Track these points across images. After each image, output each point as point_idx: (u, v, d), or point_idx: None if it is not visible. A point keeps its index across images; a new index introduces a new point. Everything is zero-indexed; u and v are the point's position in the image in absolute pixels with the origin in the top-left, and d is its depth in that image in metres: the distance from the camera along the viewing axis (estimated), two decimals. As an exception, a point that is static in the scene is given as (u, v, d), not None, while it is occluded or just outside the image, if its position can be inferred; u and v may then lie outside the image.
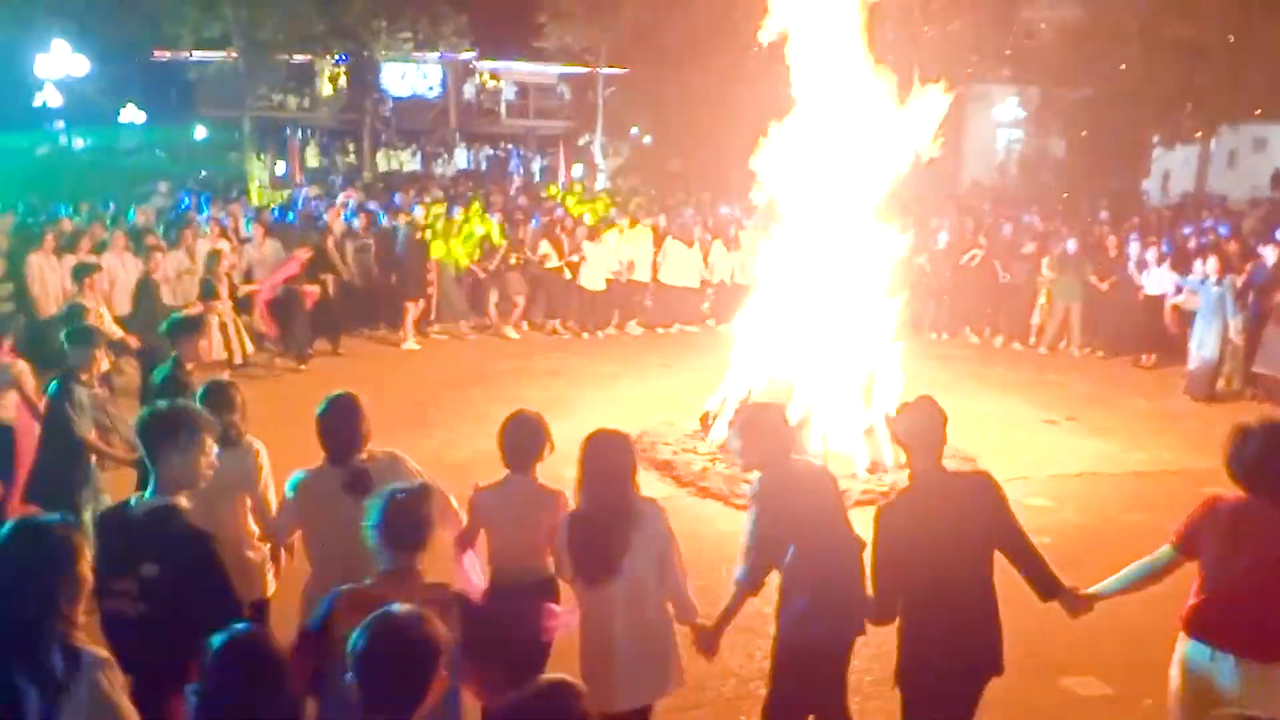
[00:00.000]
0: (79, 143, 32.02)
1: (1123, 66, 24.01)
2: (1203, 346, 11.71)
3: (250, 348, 11.52)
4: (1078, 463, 9.37)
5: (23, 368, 6.68)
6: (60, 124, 32.08)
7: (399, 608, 2.46)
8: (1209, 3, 22.83)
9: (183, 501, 3.40)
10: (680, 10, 24.54)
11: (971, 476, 4.63)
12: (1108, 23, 24.78)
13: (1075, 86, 25.54)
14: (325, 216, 15.31)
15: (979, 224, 16.31)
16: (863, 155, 9.02)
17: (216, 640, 2.53)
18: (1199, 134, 27.40)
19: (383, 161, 32.32)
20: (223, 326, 10.72)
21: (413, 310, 13.57)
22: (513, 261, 14.57)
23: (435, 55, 26.92)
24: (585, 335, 14.61)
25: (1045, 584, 3.89)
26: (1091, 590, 3.93)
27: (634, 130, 31.14)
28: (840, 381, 8.76)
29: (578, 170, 32.68)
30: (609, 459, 3.93)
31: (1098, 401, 11.50)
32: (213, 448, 3.52)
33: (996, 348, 14.60)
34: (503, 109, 35.81)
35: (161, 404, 3.65)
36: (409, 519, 3.21)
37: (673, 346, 13.94)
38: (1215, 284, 11.65)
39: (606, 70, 29.16)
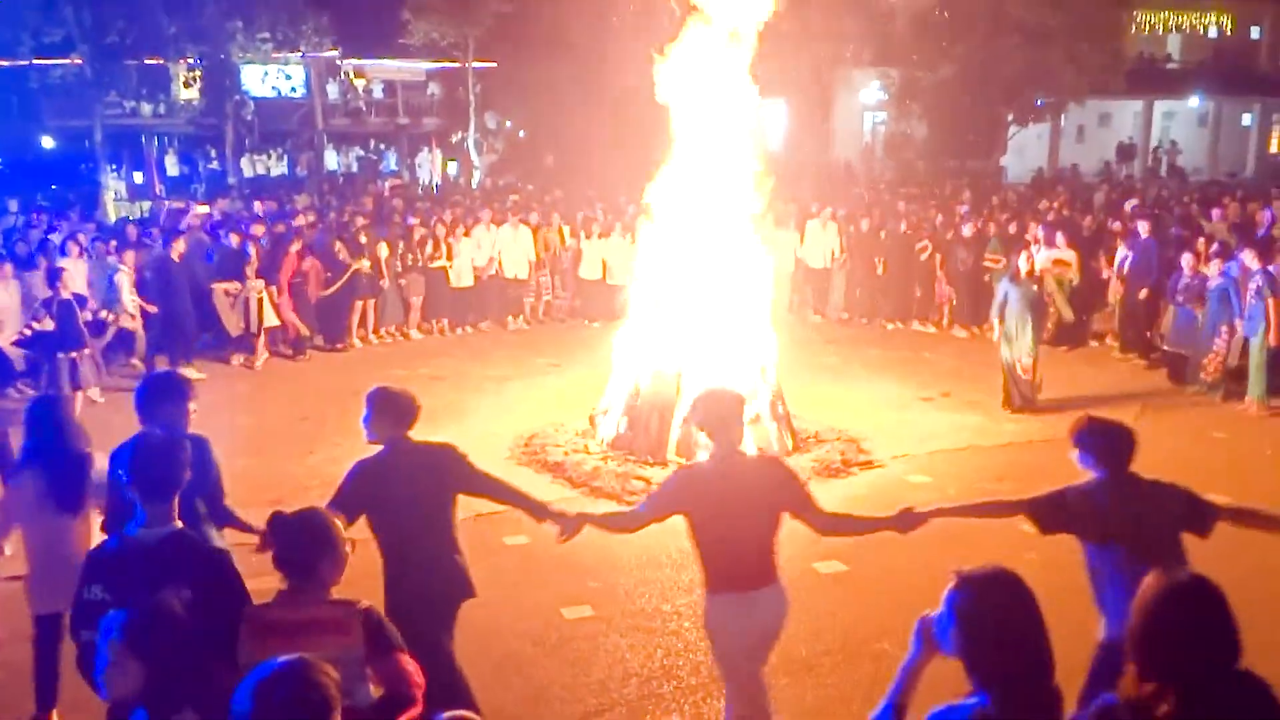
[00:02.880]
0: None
1: (972, 51, 25.11)
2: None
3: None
4: (955, 438, 9.77)
5: None
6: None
7: (284, 663, 2.34)
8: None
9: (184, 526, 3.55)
10: (542, 2, 24.44)
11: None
12: (957, 7, 25.81)
13: (932, 69, 26.46)
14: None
15: (890, 212, 16.47)
16: (731, 144, 9.18)
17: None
18: (1048, 113, 28.88)
19: (248, 167, 31.18)
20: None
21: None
22: (408, 264, 14.39)
23: (297, 55, 26.04)
24: (457, 331, 14.85)
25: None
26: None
27: (508, 124, 30.85)
28: (723, 371, 8.90)
29: (452, 168, 32.24)
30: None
31: (966, 378, 11.99)
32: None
33: (888, 330, 15.03)
34: (370, 108, 34.97)
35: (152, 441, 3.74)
36: (301, 539, 3.19)
37: (561, 346, 13.92)
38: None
39: (475, 65, 28.80)
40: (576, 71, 24.19)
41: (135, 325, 12.19)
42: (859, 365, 12.64)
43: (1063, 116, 31.69)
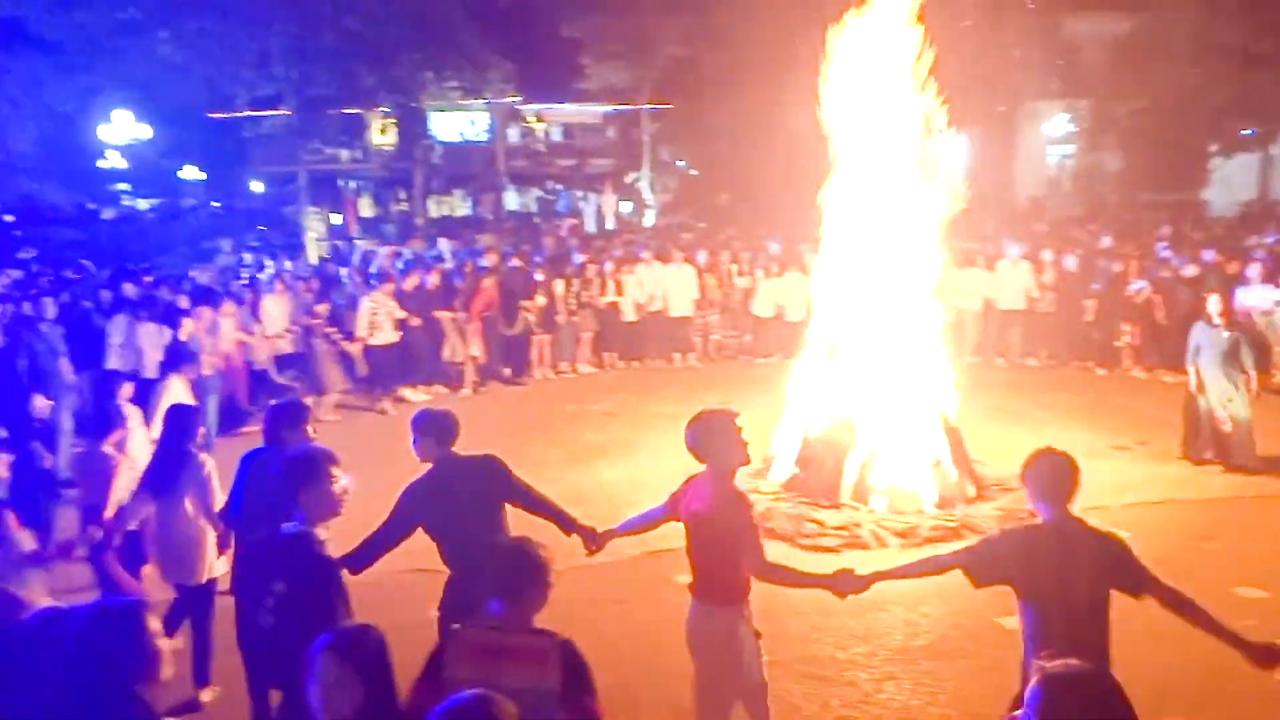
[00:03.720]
0: (142, 204, 33.10)
1: (1172, 79, 23.63)
2: None
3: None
4: (1151, 490, 9.11)
5: None
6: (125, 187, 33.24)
7: (469, 697, 2.44)
8: (1259, 8, 22.40)
9: (319, 531, 3.84)
10: (717, 43, 24.71)
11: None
12: (1156, 33, 24.42)
13: (1126, 99, 25.14)
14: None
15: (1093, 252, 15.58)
16: (911, 182, 8.93)
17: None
18: (1256, 142, 26.84)
19: (434, 208, 32.80)
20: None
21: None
22: (578, 302, 14.85)
23: (481, 102, 27.31)
24: (632, 364, 15.22)
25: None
26: None
27: (680, 164, 31.29)
28: (902, 416, 8.62)
29: (626, 207, 32.89)
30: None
31: (1167, 424, 11.17)
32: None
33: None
34: (548, 151, 36.24)
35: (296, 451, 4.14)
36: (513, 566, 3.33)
37: (733, 383, 13.86)
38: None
39: (650, 106, 29.40)
40: (751, 111, 24.30)
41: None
42: (1046, 410, 12.00)
43: (1272, 146, 29.44)
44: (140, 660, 2.86)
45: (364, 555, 4.58)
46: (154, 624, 2.95)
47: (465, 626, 3.28)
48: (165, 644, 2.96)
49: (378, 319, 12.62)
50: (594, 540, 4.88)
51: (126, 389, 7.14)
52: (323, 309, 12.54)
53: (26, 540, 4.82)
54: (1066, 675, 2.33)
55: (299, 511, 3.86)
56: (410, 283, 13.39)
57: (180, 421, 5.85)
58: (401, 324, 12.91)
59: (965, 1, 8.76)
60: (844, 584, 4.22)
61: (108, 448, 6.23)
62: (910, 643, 6.38)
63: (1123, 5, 25.37)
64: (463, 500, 4.70)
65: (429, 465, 4.83)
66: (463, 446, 4.96)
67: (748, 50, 23.74)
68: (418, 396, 12.91)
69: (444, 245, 17.72)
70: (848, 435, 8.58)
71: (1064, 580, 3.62)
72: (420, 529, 4.74)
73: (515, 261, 15.33)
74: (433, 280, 13.72)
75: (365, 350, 12.73)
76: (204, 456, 5.81)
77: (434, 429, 4.81)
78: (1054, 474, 3.79)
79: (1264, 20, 22.56)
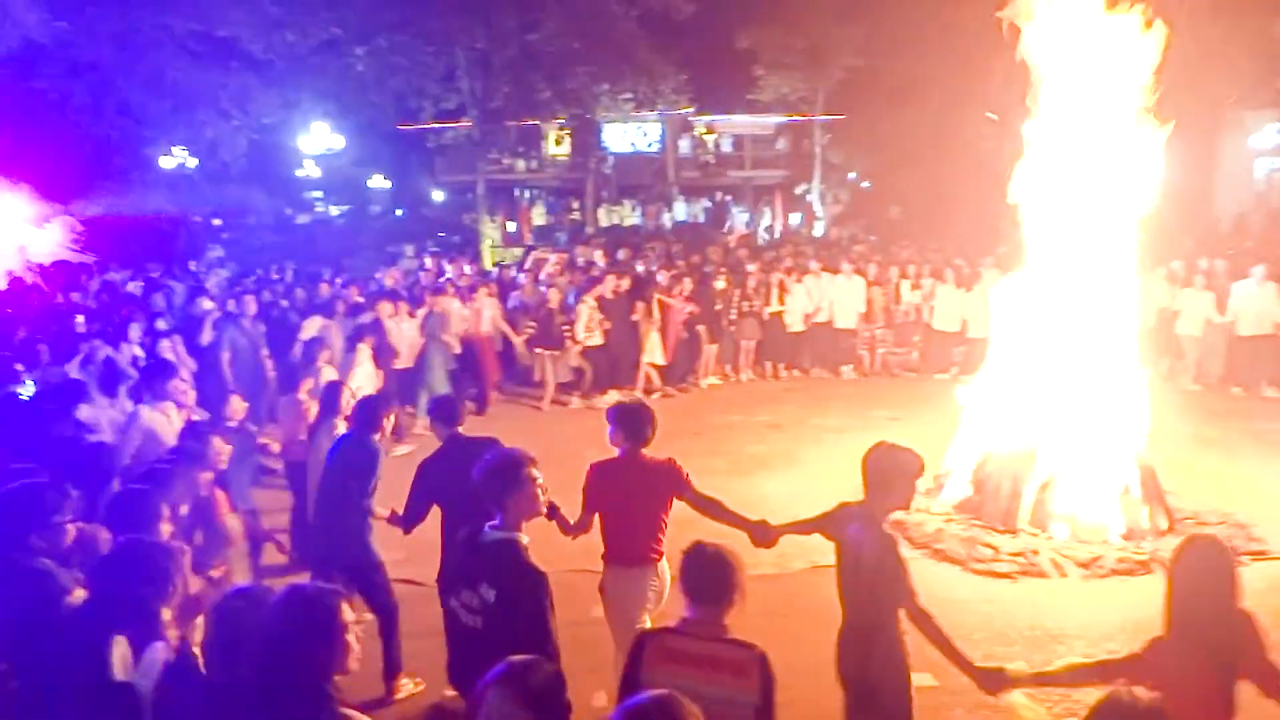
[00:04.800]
0: (334, 211, 35.17)
1: None
2: None
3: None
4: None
5: None
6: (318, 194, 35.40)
7: (656, 696, 2.42)
8: None
9: (524, 538, 3.88)
10: (895, 53, 24.14)
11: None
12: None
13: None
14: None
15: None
16: (1110, 195, 8.43)
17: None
18: None
19: (604, 217, 33.42)
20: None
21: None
22: (740, 311, 14.85)
23: (654, 113, 27.63)
24: (793, 373, 15.21)
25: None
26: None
27: (851, 175, 30.75)
28: (1090, 440, 8.15)
29: (795, 218, 32.58)
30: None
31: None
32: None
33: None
34: (718, 161, 36.32)
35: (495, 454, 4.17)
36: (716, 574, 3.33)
37: (903, 398, 13.49)
38: None
39: (822, 117, 29.03)
40: (927, 121, 23.63)
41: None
42: (1252, 440, 11.10)
43: None
44: (328, 650, 2.79)
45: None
46: (347, 614, 2.89)
47: (659, 631, 3.28)
48: (354, 636, 2.89)
49: (593, 321, 13.17)
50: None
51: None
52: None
53: (234, 523, 5.15)
54: None
55: (500, 514, 3.88)
56: (608, 288, 13.75)
57: (365, 411, 6.11)
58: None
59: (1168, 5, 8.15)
60: (761, 534, 4.67)
61: (301, 394, 7.45)
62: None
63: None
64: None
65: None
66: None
67: (925, 59, 23.12)
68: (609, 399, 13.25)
69: (596, 255, 18.05)
70: (1028, 457, 8.18)
71: None
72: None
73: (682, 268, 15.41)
74: (624, 286, 13.99)
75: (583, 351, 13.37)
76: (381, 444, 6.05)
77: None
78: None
79: None
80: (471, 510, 4.17)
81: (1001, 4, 8.53)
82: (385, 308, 11.56)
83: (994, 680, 3.95)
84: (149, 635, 3.22)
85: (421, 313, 12.38)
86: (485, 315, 13.39)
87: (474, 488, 3.97)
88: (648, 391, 13.67)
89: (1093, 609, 6.94)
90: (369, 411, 6.02)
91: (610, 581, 5.05)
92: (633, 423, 5.03)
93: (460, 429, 5.77)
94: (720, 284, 14.74)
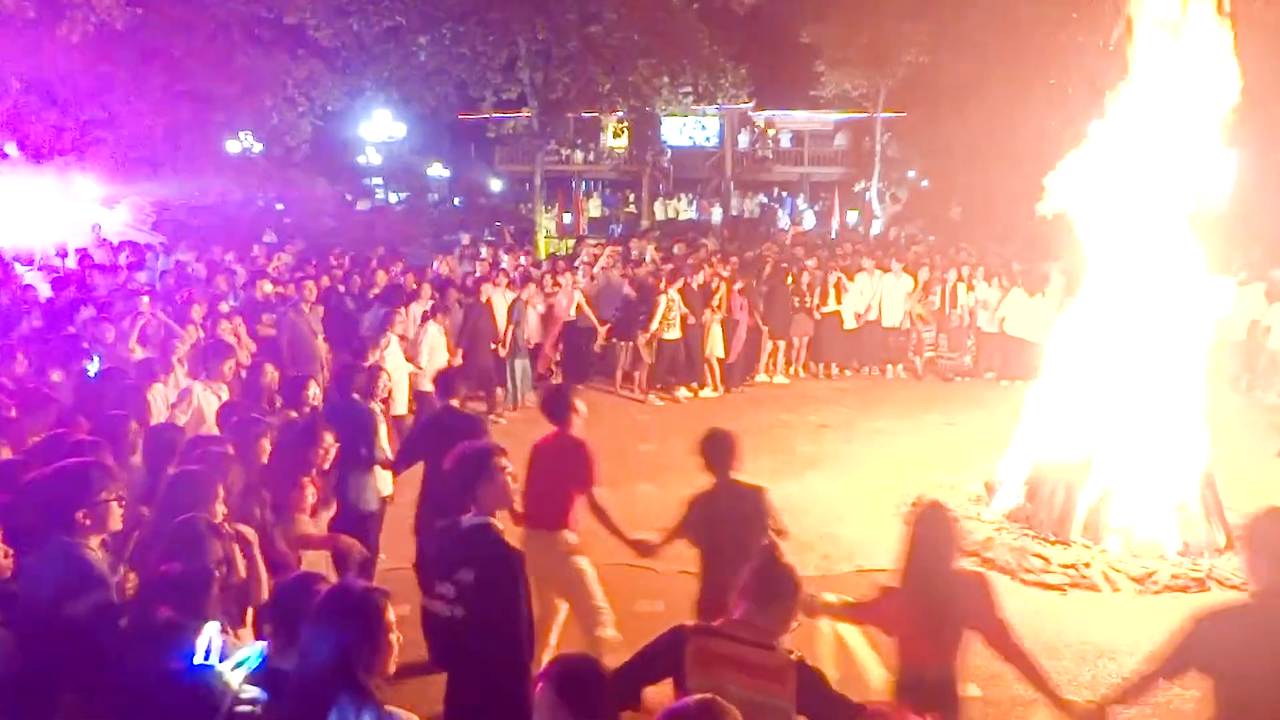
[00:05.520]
0: (393, 198, 35.58)
1: None
2: None
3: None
4: None
5: None
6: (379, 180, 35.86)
7: (697, 701, 2.43)
8: None
9: (497, 522, 4.02)
10: (960, 51, 23.78)
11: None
12: None
13: None
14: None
15: None
16: (1178, 202, 8.22)
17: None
18: None
19: (659, 210, 33.38)
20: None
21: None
22: (793, 308, 14.77)
23: (714, 107, 27.53)
24: (845, 373, 15.16)
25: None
26: None
27: (911, 174, 30.39)
28: (1147, 450, 7.97)
29: (852, 216, 32.28)
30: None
31: None
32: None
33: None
34: (777, 157, 36.10)
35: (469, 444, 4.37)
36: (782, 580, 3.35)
37: (957, 402, 13.33)
38: None
39: (884, 115, 28.72)
40: (990, 122, 23.24)
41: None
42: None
43: None
44: (371, 648, 2.81)
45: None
46: (391, 615, 2.90)
47: (704, 635, 3.28)
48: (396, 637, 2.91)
49: (671, 315, 13.19)
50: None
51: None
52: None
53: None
54: None
55: (473, 505, 4.03)
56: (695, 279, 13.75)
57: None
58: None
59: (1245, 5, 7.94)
60: (641, 549, 4.77)
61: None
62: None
63: None
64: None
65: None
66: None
67: (988, 59, 22.74)
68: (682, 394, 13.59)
69: (649, 249, 18.04)
70: (1084, 467, 8.03)
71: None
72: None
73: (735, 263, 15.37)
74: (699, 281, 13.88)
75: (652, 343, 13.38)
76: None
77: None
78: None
79: None
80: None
81: (1067, 9, 8.36)
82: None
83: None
84: (198, 616, 3.28)
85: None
86: (567, 302, 13.67)
87: (448, 476, 4.18)
88: (702, 388, 13.73)
89: (1144, 625, 6.78)
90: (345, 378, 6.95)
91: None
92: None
93: (454, 401, 6.69)
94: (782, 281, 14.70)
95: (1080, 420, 8.27)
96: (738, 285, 14.06)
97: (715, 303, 13.68)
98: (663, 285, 13.31)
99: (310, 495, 5.14)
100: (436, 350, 10.92)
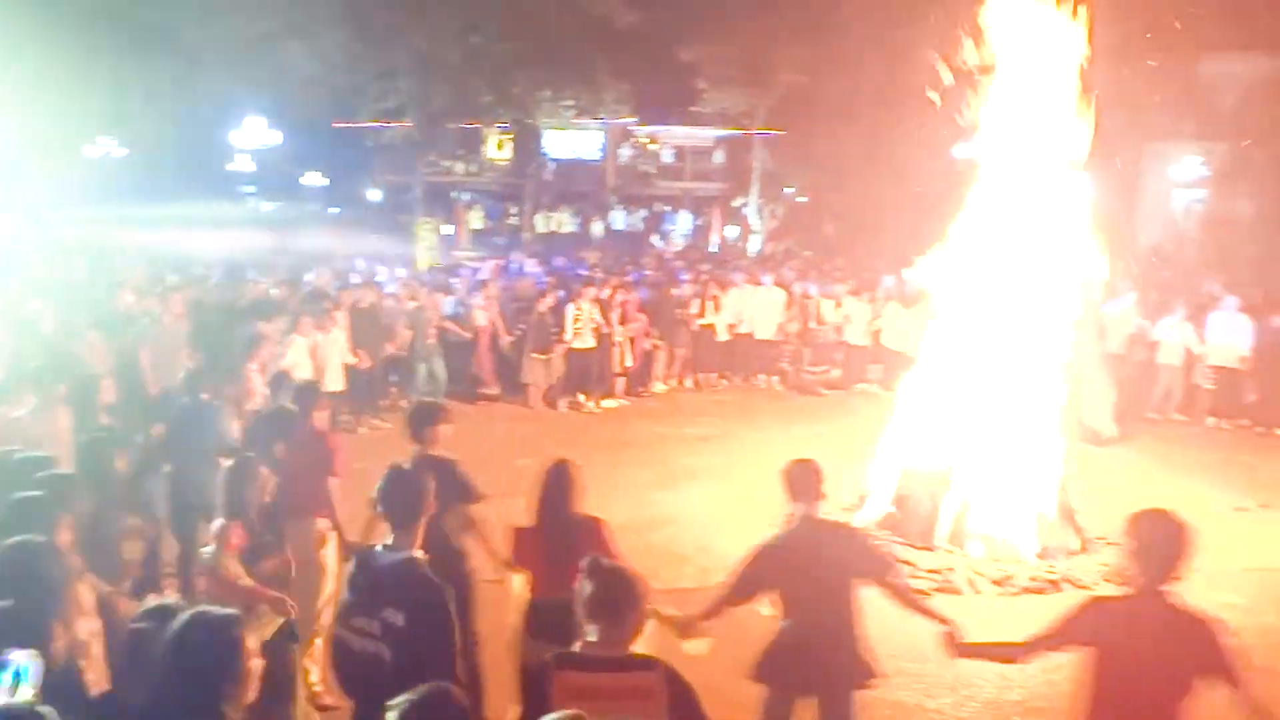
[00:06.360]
0: (266, 207, 34.54)
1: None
2: None
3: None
4: (1274, 557, 8.60)
5: None
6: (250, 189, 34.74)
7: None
8: None
9: (420, 554, 3.74)
10: (836, 71, 24.55)
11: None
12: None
13: (1264, 143, 24.01)
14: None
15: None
16: (1037, 221, 8.65)
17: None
18: None
19: (541, 223, 33.32)
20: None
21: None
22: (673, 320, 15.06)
23: (597, 122, 27.69)
24: (721, 383, 15.58)
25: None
26: None
27: (789, 190, 31.13)
28: (1007, 459, 8.34)
29: (731, 231, 32.87)
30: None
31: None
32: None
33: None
34: (658, 172, 36.50)
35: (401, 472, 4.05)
36: (615, 591, 3.26)
37: (830, 413, 13.68)
38: None
39: (762, 132, 29.37)
40: (864, 140, 24.04)
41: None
42: (1164, 465, 11.44)
43: None
44: (227, 676, 2.71)
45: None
46: (251, 641, 2.82)
47: (565, 664, 3.19)
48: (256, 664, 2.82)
49: (580, 325, 13.30)
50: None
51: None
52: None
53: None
54: None
55: (401, 533, 3.76)
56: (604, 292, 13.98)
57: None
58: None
59: (1096, 37, 8.45)
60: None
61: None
62: (1003, 695, 6.15)
63: (1262, 45, 24.27)
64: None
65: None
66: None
67: (863, 79, 23.54)
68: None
69: (530, 263, 18.09)
70: (947, 476, 8.34)
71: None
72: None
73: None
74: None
75: (566, 354, 13.53)
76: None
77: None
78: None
79: None
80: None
81: (934, 30, 8.72)
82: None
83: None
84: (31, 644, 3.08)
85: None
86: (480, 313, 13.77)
87: (379, 502, 3.87)
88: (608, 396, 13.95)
89: (1003, 626, 7.04)
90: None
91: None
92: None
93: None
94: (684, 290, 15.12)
95: (944, 430, 8.59)
96: (628, 296, 14.24)
97: (617, 315, 13.87)
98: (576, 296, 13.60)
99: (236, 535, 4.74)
100: (303, 364, 10.62)
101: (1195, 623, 3.51)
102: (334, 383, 10.86)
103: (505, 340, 14.01)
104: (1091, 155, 8.69)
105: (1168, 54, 22.70)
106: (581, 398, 13.73)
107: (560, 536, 4.64)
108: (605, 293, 13.97)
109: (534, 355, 13.61)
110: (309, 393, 6.59)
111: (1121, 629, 3.55)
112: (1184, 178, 29.92)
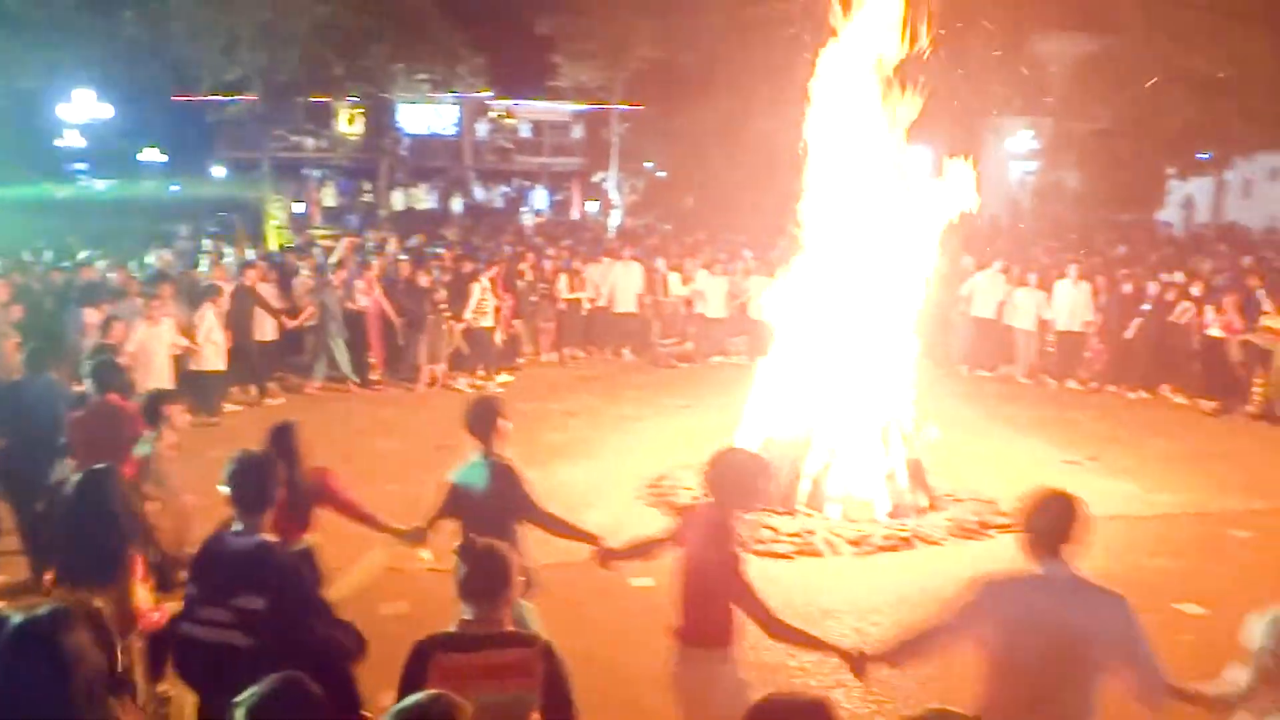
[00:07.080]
0: (99, 185, 32.52)
1: (1135, 101, 24.10)
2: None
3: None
4: (1100, 505, 9.25)
5: None
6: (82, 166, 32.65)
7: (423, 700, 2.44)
8: (1219, 37, 22.92)
9: (273, 537, 3.70)
10: (692, 46, 24.81)
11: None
12: (1121, 56, 24.88)
13: (1089, 119, 25.59)
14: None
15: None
16: (883, 192, 9.01)
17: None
18: (1211, 167, 27.46)
19: (398, 200, 32.57)
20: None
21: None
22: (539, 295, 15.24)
23: (452, 95, 27.18)
24: (580, 354, 15.89)
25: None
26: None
27: (648, 165, 31.35)
28: (860, 425, 8.71)
29: (592, 206, 32.90)
30: None
31: (1119, 441, 11.40)
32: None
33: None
34: (516, 147, 36.17)
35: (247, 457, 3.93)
36: (489, 569, 3.26)
37: (694, 385, 13.94)
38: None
39: (620, 107, 29.43)
40: (719, 115, 24.41)
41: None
42: (1002, 423, 12.17)
43: (1228, 171, 30.11)
44: (63, 685, 2.48)
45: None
46: (80, 637, 2.55)
47: (443, 646, 3.17)
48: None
49: (484, 303, 13.39)
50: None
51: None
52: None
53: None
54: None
55: (252, 519, 3.69)
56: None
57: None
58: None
59: (932, 14, 8.86)
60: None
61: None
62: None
63: (1089, 26, 25.81)
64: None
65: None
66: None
67: (719, 55, 23.87)
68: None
69: (390, 241, 17.79)
70: (805, 442, 8.65)
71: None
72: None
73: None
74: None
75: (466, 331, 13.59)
76: None
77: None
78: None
79: (1225, 51, 23.11)
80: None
81: (788, 5, 8.94)
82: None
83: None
84: None
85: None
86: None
87: (230, 489, 3.76)
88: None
89: (861, 584, 7.44)
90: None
91: None
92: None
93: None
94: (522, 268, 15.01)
95: (803, 398, 8.89)
96: (492, 273, 14.22)
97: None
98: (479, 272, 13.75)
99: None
100: (153, 351, 10.16)
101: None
102: (161, 379, 10.09)
103: (397, 321, 13.60)
104: (933, 128, 9.08)
105: (1000, 31, 23.87)
106: (481, 374, 13.70)
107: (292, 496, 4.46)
108: (493, 271, 14.08)
109: (429, 334, 13.49)
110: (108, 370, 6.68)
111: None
112: (1018, 150, 31.63)
